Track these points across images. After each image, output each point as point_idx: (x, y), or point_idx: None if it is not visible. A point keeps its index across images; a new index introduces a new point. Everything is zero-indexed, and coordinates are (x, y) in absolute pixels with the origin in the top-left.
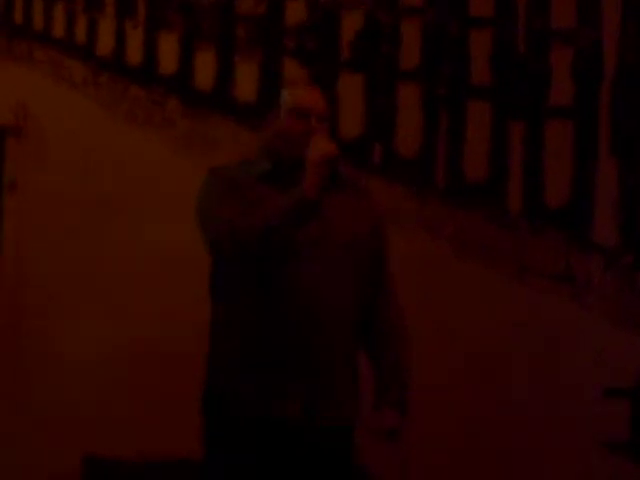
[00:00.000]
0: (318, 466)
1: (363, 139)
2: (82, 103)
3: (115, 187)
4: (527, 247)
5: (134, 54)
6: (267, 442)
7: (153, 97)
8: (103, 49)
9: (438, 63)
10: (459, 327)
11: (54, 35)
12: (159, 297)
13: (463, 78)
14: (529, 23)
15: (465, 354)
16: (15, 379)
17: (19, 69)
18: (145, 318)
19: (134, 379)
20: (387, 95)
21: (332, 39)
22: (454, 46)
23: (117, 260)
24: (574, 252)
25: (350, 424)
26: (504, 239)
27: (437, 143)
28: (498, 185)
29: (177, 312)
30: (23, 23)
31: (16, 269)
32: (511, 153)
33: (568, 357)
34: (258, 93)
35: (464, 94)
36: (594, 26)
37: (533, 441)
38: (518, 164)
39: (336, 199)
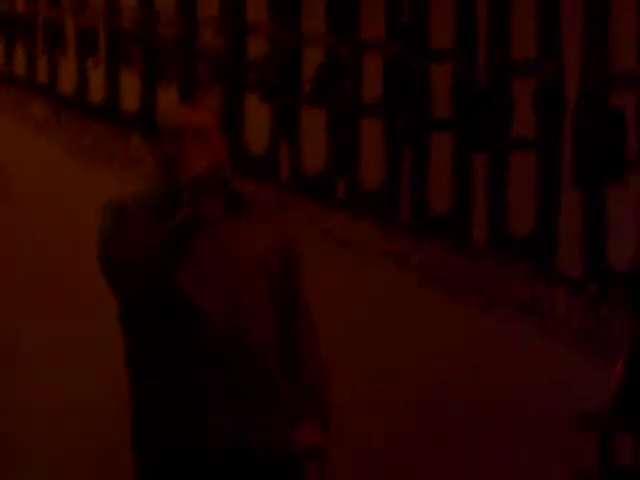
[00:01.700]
0: None
1: (327, 173)
2: (45, 142)
3: (81, 226)
4: (492, 278)
5: (96, 92)
6: (191, 474)
7: (116, 135)
8: (65, 88)
9: (400, 96)
10: (426, 359)
11: (16, 74)
12: None
13: (425, 111)
14: (490, 55)
15: (431, 386)
16: None
17: None
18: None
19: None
20: (350, 129)
21: (294, 74)
22: (415, 79)
23: (92, 302)
24: (539, 282)
25: (281, 450)
26: (469, 270)
27: (401, 176)
28: (463, 217)
29: None
30: None
31: None
32: (475, 185)
33: (535, 387)
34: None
35: (426, 127)
36: (555, 56)
37: (503, 472)
38: (482, 196)
39: (236, 220)
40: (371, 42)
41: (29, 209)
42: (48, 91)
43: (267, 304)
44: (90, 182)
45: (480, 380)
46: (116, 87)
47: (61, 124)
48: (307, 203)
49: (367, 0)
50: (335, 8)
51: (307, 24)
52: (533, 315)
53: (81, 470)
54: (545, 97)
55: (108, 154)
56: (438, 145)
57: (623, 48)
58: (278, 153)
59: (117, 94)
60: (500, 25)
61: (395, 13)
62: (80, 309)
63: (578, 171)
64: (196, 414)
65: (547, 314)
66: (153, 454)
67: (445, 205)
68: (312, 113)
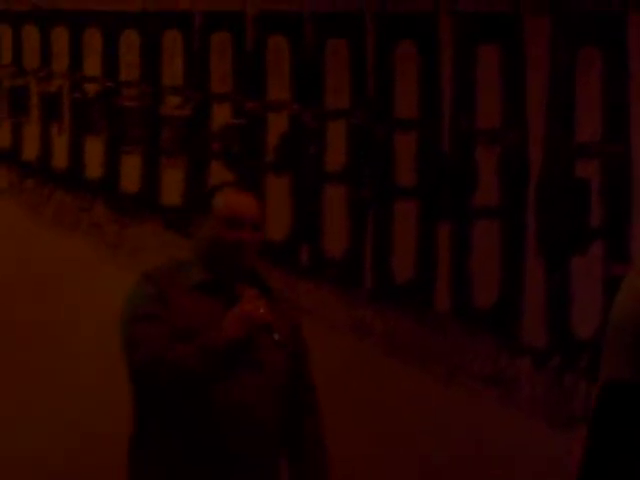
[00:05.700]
0: None
1: (290, 241)
2: (7, 208)
3: (43, 291)
4: (456, 348)
5: (60, 159)
6: None
7: (79, 202)
8: (28, 154)
9: (364, 164)
10: (388, 429)
11: None
12: None
13: (389, 179)
14: (454, 123)
15: (395, 457)
16: None
17: None
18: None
19: None
20: (313, 197)
21: (258, 142)
22: (379, 147)
23: (58, 367)
24: (503, 353)
25: None
26: (433, 340)
27: (364, 244)
28: (426, 286)
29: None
30: None
31: None
32: (438, 254)
33: (499, 459)
34: (184, 196)
35: (390, 195)
36: (519, 126)
37: None
38: (446, 265)
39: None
40: (335, 110)
41: None
42: (11, 157)
43: (273, 395)
44: (53, 248)
45: (443, 451)
46: (80, 154)
47: (24, 190)
48: (270, 271)
49: (332, 69)
50: (300, 77)
51: (272, 93)
52: (497, 386)
53: None
54: (509, 166)
55: (71, 221)
56: (402, 213)
57: (587, 117)
58: None
59: (81, 161)
60: (464, 94)
61: (360, 82)
62: (44, 375)
63: (542, 241)
64: None
65: (511, 385)
66: None
67: (408, 274)
68: (276, 181)
